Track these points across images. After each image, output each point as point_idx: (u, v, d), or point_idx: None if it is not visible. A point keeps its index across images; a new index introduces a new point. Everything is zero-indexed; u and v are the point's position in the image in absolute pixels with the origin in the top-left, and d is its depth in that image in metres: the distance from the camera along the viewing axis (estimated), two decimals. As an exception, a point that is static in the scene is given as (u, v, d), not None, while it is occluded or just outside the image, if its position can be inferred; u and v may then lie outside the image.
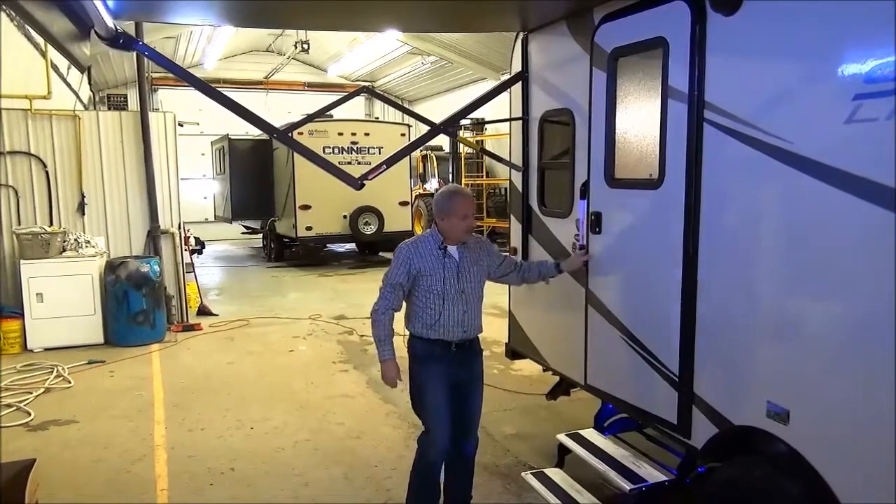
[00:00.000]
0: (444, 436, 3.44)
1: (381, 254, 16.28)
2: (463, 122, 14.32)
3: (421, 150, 17.89)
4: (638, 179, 3.50)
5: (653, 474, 3.54)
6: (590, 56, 3.71)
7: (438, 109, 20.11)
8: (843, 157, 2.32)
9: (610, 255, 3.68)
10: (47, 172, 8.43)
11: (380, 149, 14.16)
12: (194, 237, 11.80)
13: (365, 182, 4.15)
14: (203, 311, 9.84)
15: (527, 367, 5.95)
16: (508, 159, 4.94)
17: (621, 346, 3.53)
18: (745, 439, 2.83)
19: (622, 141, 3.58)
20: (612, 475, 3.60)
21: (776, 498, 2.60)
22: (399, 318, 3.53)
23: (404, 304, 3.52)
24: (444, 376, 3.44)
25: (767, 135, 2.61)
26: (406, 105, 20.49)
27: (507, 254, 4.16)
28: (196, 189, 19.59)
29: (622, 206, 3.58)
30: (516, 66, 4.70)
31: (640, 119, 3.48)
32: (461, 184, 15.93)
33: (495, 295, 4.80)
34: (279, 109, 19.48)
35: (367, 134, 14.54)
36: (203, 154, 19.38)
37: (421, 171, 18.82)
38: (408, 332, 3.54)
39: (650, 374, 3.32)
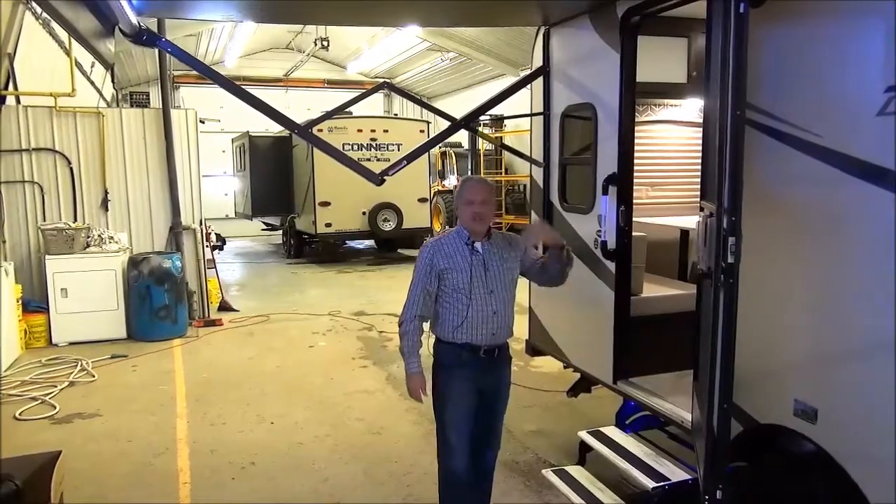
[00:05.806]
0: (464, 447, 3.27)
1: (399, 250, 16.31)
2: (482, 118, 14.26)
3: (440, 147, 17.86)
4: None
5: (676, 473, 3.49)
6: None
7: (457, 106, 20.02)
8: (875, 150, 2.27)
9: None
10: (71, 169, 8.54)
11: (399, 145, 14.18)
12: (215, 233, 11.94)
13: (385, 178, 4.14)
14: (224, 307, 9.92)
15: (546, 363, 5.92)
16: (529, 155, 4.91)
17: None
18: (771, 438, 2.78)
19: None
20: (635, 473, 3.55)
21: (803, 497, 2.57)
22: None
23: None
24: (470, 384, 3.25)
25: (795, 128, 2.56)
26: (425, 102, 20.47)
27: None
28: (217, 186, 19.82)
29: None
30: (537, 61, 4.66)
31: None
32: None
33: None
34: (299, 106, 19.59)
35: (385, 130, 14.55)
36: (224, 151, 19.55)
37: (440, 167, 18.80)
38: (433, 337, 3.36)
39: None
